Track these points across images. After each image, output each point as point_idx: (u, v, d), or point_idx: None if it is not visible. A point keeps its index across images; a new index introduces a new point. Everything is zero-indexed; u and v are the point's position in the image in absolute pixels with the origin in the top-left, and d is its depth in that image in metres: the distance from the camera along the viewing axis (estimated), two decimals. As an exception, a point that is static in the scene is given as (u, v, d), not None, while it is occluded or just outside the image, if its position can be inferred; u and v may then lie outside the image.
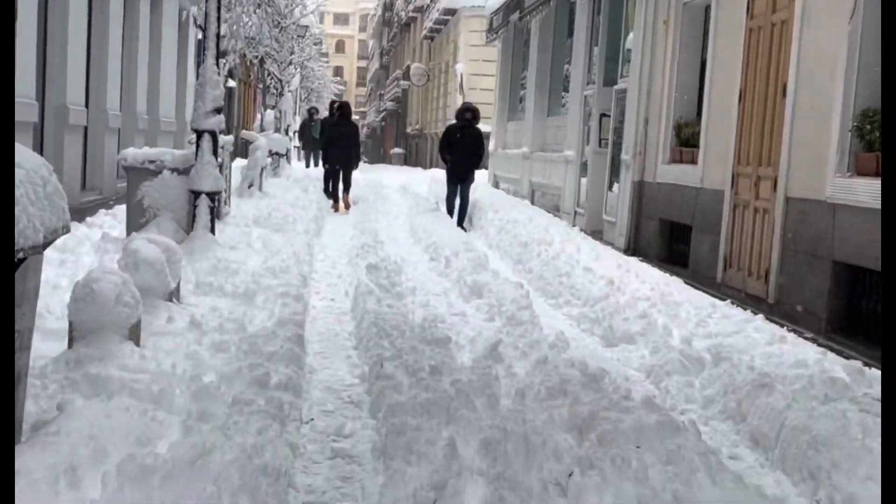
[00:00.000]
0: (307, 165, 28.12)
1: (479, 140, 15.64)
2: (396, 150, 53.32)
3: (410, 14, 49.68)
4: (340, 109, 18.18)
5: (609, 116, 15.57)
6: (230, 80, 34.07)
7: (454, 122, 16.16)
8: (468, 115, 15.61)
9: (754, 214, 9.55)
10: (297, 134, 32.98)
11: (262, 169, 15.26)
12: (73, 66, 12.99)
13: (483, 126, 32.04)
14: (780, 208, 8.84)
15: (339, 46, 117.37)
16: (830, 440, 4.14)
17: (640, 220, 13.37)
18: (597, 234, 14.63)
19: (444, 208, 16.71)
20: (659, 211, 12.60)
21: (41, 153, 12.94)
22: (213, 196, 8.66)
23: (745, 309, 8.08)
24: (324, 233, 13.38)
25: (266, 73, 19.74)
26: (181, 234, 8.86)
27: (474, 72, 32.66)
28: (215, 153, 8.64)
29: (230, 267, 8.12)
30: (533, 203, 19.81)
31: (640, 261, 11.83)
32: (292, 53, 19.09)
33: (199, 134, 8.54)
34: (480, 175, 29.06)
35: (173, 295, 6.32)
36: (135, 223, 8.91)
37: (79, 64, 13.34)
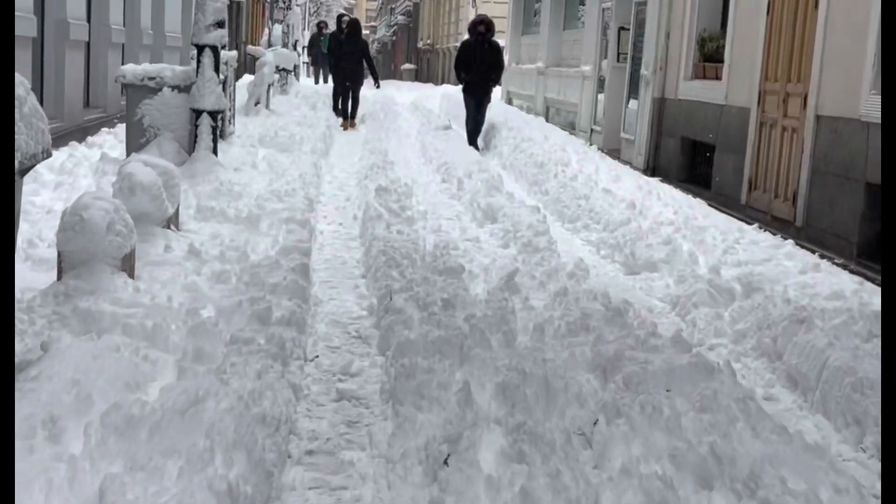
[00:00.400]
0: (316, 81, 27.53)
1: (496, 55, 14.53)
2: (407, 65, 52.41)
3: (421, -76, 48.35)
4: (349, 27, 17.86)
5: (628, 30, 15.01)
6: (237, -7, 33.28)
7: (468, 37, 14.96)
8: (481, 27, 14.38)
9: (782, 133, 9.10)
10: (305, 49, 32.30)
11: (269, 86, 14.79)
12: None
13: (501, 40, 31.46)
14: (811, 127, 8.39)
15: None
16: (878, 383, 3.80)
17: (660, 138, 12.91)
18: (614, 152, 14.19)
19: (456, 126, 16.25)
20: (680, 129, 12.14)
21: (41, 70, 12.51)
22: (215, 115, 8.26)
23: (773, 234, 7.70)
24: (332, 152, 12.97)
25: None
26: (183, 154, 8.49)
27: (487, -16, 31.77)
28: (217, 70, 8.20)
29: (233, 190, 7.76)
30: (548, 120, 19.31)
31: (661, 181, 11.42)
32: (299, -35, 18.33)
33: (200, 49, 8.09)
34: (495, 90, 28.52)
35: (171, 221, 5.98)
36: (135, 143, 8.53)
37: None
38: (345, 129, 16.60)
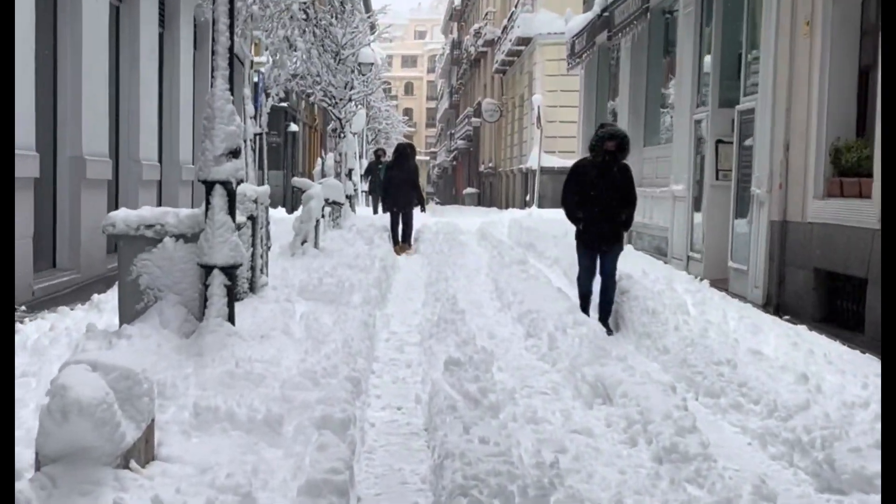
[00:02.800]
0: (375, 211, 25.82)
1: (628, 183, 9.42)
2: (469, 189, 50.96)
3: (480, 49, 47.47)
4: (395, 151, 17.76)
5: (728, 143, 12.96)
6: (293, 123, 32.10)
7: (586, 156, 10.00)
8: (611, 144, 9.25)
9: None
10: (363, 178, 30.80)
11: (318, 221, 12.91)
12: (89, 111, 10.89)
13: (568, 161, 29.70)
14: None
15: (408, 88, 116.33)
16: None
17: (783, 268, 10.63)
18: (719, 283, 11.93)
19: (533, 260, 14.11)
20: (813, 258, 9.87)
21: (53, 211, 10.79)
22: (229, 271, 6.23)
23: None
24: (390, 297, 10.90)
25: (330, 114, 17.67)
26: (192, 323, 6.45)
27: (552, 103, 30.13)
28: (232, 212, 6.22)
29: (252, 373, 5.66)
30: (633, 245, 17.20)
31: (788, 320, 9.17)
32: (352, 89, 16.75)
33: (208, 187, 6.13)
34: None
35: (133, 455, 3.86)
36: (129, 310, 6.53)
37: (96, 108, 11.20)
38: (397, 254, 16.05)
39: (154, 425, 4.20)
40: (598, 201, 9.17)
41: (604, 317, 9.22)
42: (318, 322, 7.40)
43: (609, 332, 8.76)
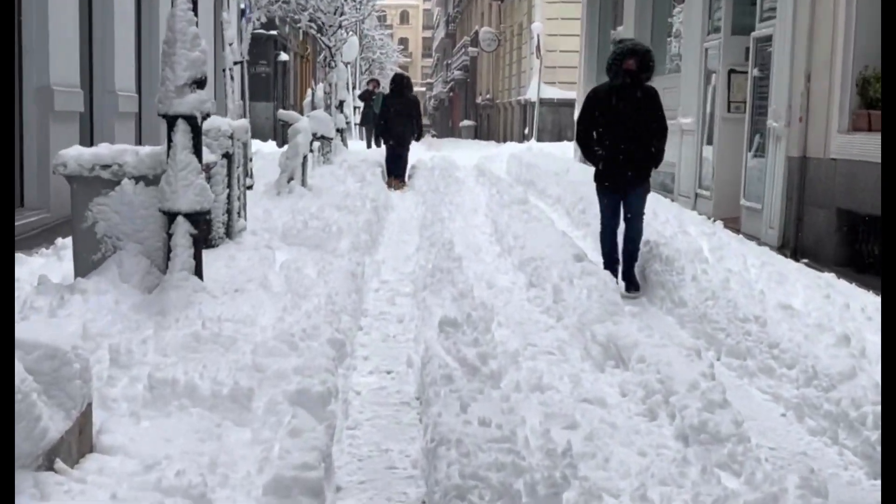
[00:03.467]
0: (368, 145, 24.96)
1: (655, 109, 7.91)
2: (466, 122, 49.92)
3: (477, -25, 46.13)
4: (393, 82, 17.15)
5: (741, 73, 12.17)
6: (283, 53, 31.05)
7: (605, 82, 8.18)
8: (631, 63, 7.61)
9: None
10: (356, 110, 29.87)
11: (305, 157, 12.14)
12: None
13: (569, 92, 28.70)
14: None
15: (404, 17, 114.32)
16: None
17: (801, 208, 9.93)
18: (730, 222, 11.22)
19: (534, 199, 13.37)
20: (835, 198, 9.17)
21: (20, 147, 10.03)
22: (195, 218, 5.50)
23: None
24: (381, 241, 10.18)
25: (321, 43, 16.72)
26: (155, 276, 5.74)
27: (552, 32, 29.08)
28: (197, 151, 5.47)
29: (220, 336, 4.97)
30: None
31: (807, 264, 8.50)
32: (342, 15, 15.82)
33: (170, 122, 5.38)
34: (566, 147, 25.46)
35: (61, 451, 3.18)
36: (85, 261, 5.82)
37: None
38: (389, 187, 15.72)
39: (91, 410, 3.52)
40: (621, 133, 7.58)
41: (628, 270, 7.81)
42: (300, 272, 6.70)
43: (635, 288, 7.66)
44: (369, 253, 8.88)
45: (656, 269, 7.47)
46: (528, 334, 6.30)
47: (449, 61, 65.22)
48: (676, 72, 15.68)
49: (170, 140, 5.38)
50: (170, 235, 5.49)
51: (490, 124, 42.62)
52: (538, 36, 28.56)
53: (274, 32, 29.03)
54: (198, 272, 5.56)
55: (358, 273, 7.25)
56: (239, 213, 7.70)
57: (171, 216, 5.46)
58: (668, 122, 14.72)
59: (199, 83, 5.32)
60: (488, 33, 40.51)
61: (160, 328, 5.09)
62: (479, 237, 10.38)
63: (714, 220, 11.04)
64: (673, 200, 13.58)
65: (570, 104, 28.17)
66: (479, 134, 45.56)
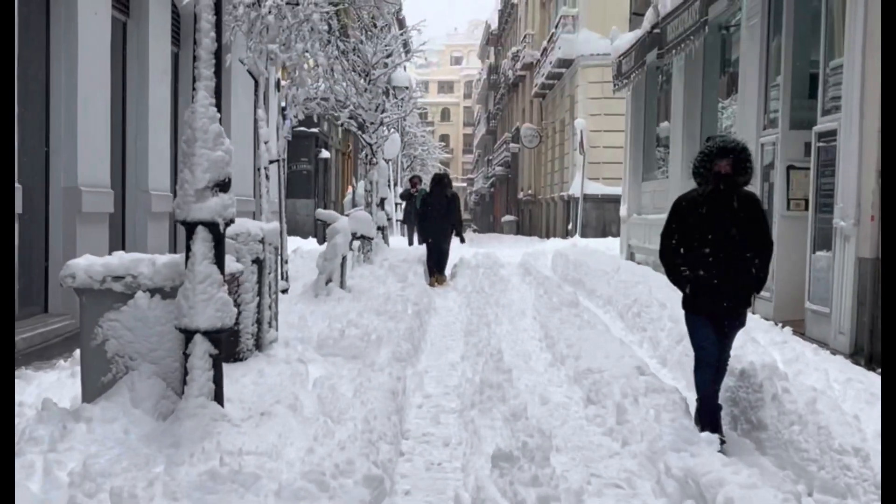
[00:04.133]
0: (410, 242, 24.51)
1: (757, 219, 6.31)
2: (508, 217, 49.60)
3: (518, 73, 46.22)
4: (433, 181, 17.34)
5: (801, 169, 11.54)
6: (324, 150, 30.94)
7: (693, 189, 6.45)
8: (724, 164, 6.08)
9: None
10: (398, 207, 29.53)
11: (344, 259, 11.60)
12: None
13: (612, 188, 28.18)
14: None
15: (445, 114, 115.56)
16: None
17: (875, 313, 9.14)
18: (794, 325, 10.46)
19: (587, 302, 12.65)
20: (917, 302, 8.37)
21: (46, 248, 9.60)
22: (215, 336, 4.89)
23: None
24: (423, 348, 9.52)
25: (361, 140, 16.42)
26: (171, 399, 5.12)
27: (595, 128, 28.73)
28: (219, 261, 4.89)
29: (241, 473, 4.30)
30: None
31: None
32: (383, 112, 15.47)
33: (189, 229, 4.82)
34: (611, 243, 24.80)
35: None
36: (94, 383, 5.21)
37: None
38: (431, 286, 15.59)
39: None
40: (714, 251, 6.12)
41: (715, 419, 6.14)
42: (335, 391, 6.04)
43: (723, 441, 5.93)
44: (411, 363, 8.21)
45: (728, 384, 6.71)
46: (590, 462, 5.56)
47: (490, 157, 65.34)
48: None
49: (188, 249, 4.81)
50: (187, 356, 4.87)
51: (532, 219, 42.18)
52: (581, 132, 28.19)
53: (315, 130, 28.96)
54: (218, 397, 4.92)
55: (398, 390, 6.57)
56: (270, 323, 7.10)
57: (188, 334, 4.85)
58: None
59: (222, 186, 4.77)
60: (530, 129, 40.35)
61: (172, 464, 4.43)
62: (528, 344, 9.68)
63: (782, 326, 10.27)
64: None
65: (613, 200, 27.64)
66: (520, 229, 45.11)
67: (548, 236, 33.77)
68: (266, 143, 9.53)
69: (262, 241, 6.85)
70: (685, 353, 8.19)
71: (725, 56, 16.06)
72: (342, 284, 11.63)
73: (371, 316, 9.12)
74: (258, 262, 6.85)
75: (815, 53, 11.19)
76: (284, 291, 10.23)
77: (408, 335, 8.62)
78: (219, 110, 4.81)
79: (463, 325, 10.90)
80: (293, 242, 24.37)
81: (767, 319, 10.88)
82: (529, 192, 42.95)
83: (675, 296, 11.02)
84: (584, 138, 28.18)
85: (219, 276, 4.82)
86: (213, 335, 4.84)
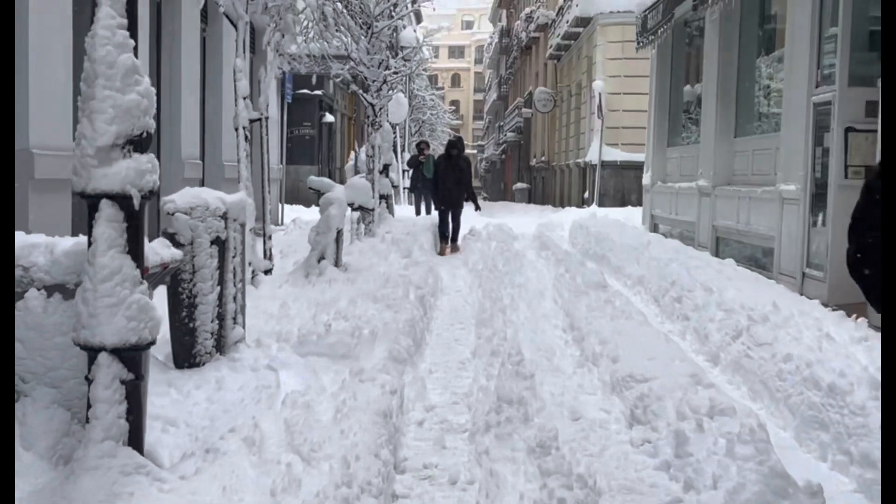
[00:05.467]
0: (417, 212, 23.06)
1: None
2: (519, 184, 47.99)
3: (532, 35, 44.43)
4: (447, 145, 16.94)
5: (862, 131, 10.08)
6: (328, 114, 29.39)
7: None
8: None
9: None
10: (405, 174, 28.06)
11: (339, 233, 10.18)
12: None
13: (633, 154, 26.60)
14: None
15: (455, 80, 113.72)
16: None
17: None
18: (851, 310, 9.01)
19: (615, 282, 11.19)
20: None
21: None
22: (128, 355, 3.48)
23: None
24: (427, 342, 8.10)
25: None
26: (76, 437, 3.73)
27: (614, 90, 27.10)
28: (135, 250, 3.47)
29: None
30: (718, 254, 14.33)
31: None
32: (387, 69, 13.95)
33: (92, 204, 3.40)
34: (631, 214, 23.29)
35: None
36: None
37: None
38: (441, 254, 15.67)
39: None
40: None
41: None
42: (310, 414, 4.63)
43: None
44: (411, 363, 6.79)
45: (814, 401, 5.29)
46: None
47: (501, 123, 63.65)
48: (769, 131, 13.66)
49: (90, 232, 3.38)
50: (89, 382, 3.46)
51: (545, 187, 40.62)
52: (600, 94, 26.59)
53: (319, 92, 27.42)
54: (135, 440, 3.50)
55: (392, 409, 5.15)
56: (235, 319, 5.69)
57: (90, 352, 3.44)
58: (764, 190, 12.69)
59: (138, 143, 3.34)
60: (544, 93, 38.70)
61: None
62: (551, 335, 8.24)
63: (859, 318, 8.83)
64: (771, 279, 11.41)
65: (633, 167, 26.10)
66: (532, 197, 43.55)
67: (562, 205, 32.22)
68: (245, 98, 8.08)
69: (223, 217, 5.43)
70: (745, 353, 6.77)
71: (765, 8, 14.54)
72: (337, 262, 10.22)
73: (366, 303, 7.70)
74: (219, 244, 5.43)
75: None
76: (268, 272, 8.83)
77: (408, 328, 7.18)
78: (133, 37, 3.37)
79: (474, 309, 9.49)
80: (295, 211, 22.97)
81: (823, 303, 9.48)
82: (543, 158, 41.35)
83: (723, 279, 9.61)
84: (603, 101, 26.57)
85: (133, 272, 3.40)
86: (125, 354, 3.42)
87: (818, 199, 10.95)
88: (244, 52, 8.20)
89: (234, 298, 5.70)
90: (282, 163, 20.55)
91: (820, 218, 10.89)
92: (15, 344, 3.61)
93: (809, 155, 11.08)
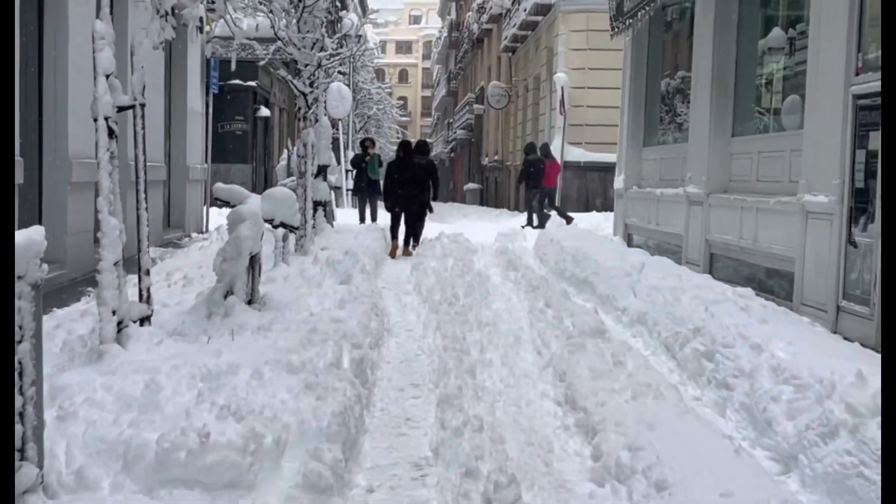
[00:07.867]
0: (361, 219, 20.57)
1: None
2: (471, 185, 45.64)
3: (484, 26, 42.09)
4: (402, 147, 15.84)
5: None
6: (263, 108, 26.76)
7: None
8: None
9: None
10: (348, 174, 25.56)
11: (253, 259, 7.73)
12: None
13: (597, 154, 24.35)
14: None
15: (403, 76, 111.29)
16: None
17: None
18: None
19: (608, 319, 8.84)
20: None
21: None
22: None
23: None
24: (367, 428, 5.66)
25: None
26: None
27: (578, 84, 24.82)
28: None
29: None
30: (712, 273, 12.18)
31: None
32: (322, 50, 11.50)
33: None
34: (599, 222, 20.94)
35: None
36: None
37: None
38: (391, 256, 14.98)
39: None
40: None
41: None
42: None
43: None
44: (340, 485, 4.33)
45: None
46: None
47: (450, 120, 61.27)
48: (772, 131, 11.55)
49: None
50: None
51: (499, 188, 38.29)
52: (562, 88, 24.31)
53: (252, 83, 24.85)
54: None
55: None
56: (23, 452, 3.21)
57: None
58: (777, 201, 10.47)
59: None
60: (497, 88, 36.41)
61: None
62: (542, 414, 5.80)
63: (868, 348, 6.56)
64: (790, 309, 9.19)
65: (599, 168, 23.90)
66: (485, 199, 41.23)
67: (518, 209, 29.95)
68: (108, 76, 5.62)
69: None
70: (837, 460, 4.44)
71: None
72: (252, 297, 7.76)
73: (278, 376, 5.23)
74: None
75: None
76: (146, 319, 6.34)
77: (337, 426, 4.69)
78: None
79: (432, 364, 7.07)
80: (223, 216, 20.39)
81: (865, 346, 7.27)
82: (496, 157, 39.03)
83: (756, 322, 7.25)
84: (566, 96, 24.31)
85: None
86: None
87: (857, 213, 8.77)
88: (109, 9, 5.77)
89: (21, 417, 3.22)
90: (207, 161, 18.03)
91: (862, 238, 8.70)
92: None
93: (847, 159, 8.87)
